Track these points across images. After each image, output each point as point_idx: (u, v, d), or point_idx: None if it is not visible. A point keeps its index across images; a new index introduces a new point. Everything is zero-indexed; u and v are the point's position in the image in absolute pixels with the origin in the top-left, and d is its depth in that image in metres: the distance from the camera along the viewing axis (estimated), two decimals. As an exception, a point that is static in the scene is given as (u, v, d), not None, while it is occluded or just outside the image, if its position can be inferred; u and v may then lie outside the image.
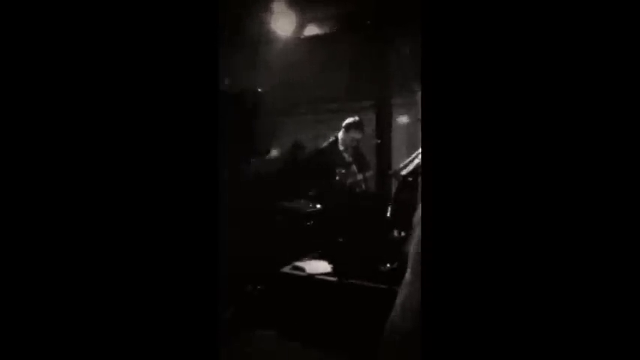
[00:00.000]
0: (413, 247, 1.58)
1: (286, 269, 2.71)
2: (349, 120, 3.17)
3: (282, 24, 3.89)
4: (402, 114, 3.96)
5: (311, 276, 2.66)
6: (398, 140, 3.88)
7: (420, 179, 3.09)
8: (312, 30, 3.99)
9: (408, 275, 1.67)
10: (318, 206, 3.18)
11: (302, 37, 3.99)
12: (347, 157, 3.18)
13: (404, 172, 3.06)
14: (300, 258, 2.82)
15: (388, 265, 2.63)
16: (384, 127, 3.72)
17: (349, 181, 3.05)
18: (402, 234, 3.11)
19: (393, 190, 3.28)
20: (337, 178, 3.02)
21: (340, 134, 3.20)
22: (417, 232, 1.55)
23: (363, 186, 3.09)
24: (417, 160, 3.07)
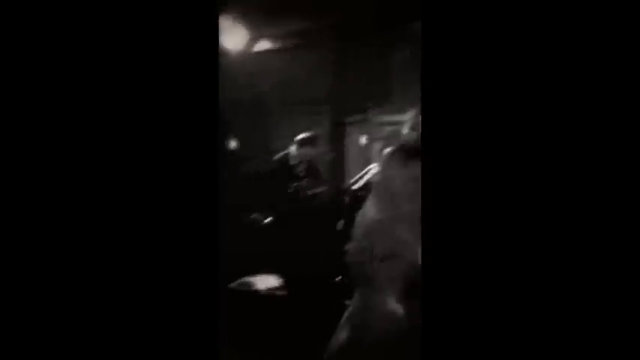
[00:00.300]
0: (354, 259, 1.58)
1: (234, 285, 2.66)
2: (302, 135, 3.21)
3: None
4: (356, 131, 4.05)
5: (259, 292, 2.62)
6: (352, 156, 3.96)
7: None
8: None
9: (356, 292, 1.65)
10: (270, 219, 3.16)
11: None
12: (300, 171, 3.20)
13: (355, 187, 3.12)
14: (250, 272, 2.78)
15: (340, 277, 2.65)
16: (339, 142, 3.79)
17: (302, 194, 3.07)
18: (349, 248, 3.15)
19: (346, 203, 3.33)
20: (290, 191, 3.03)
21: (293, 149, 3.22)
22: (354, 245, 1.55)
23: (317, 200, 3.11)
24: (368, 176, 3.14)
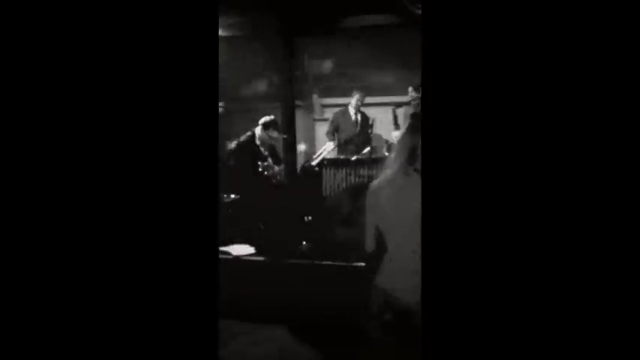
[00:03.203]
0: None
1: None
2: (266, 118, 3.47)
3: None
4: (301, 114, 4.41)
5: (237, 258, 2.94)
6: (300, 136, 4.32)
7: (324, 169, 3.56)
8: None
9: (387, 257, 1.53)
10: (233, 196, 3.44)
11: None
12: (263, 151, 3.50)
13: (313, 163, 3.52)
14: (224, 244, 3.06)
15: (304, 242, 3.05)
16: (289, 125, 4.12)
17: (267, 173, 3.38)
18: (309, 218, 3.56)
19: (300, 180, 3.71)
20: (260, 169, 3.32)
21: (258, 131, 3.49)
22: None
23: (279, 177, 3.45)
24: (324, 154, 3.57)
